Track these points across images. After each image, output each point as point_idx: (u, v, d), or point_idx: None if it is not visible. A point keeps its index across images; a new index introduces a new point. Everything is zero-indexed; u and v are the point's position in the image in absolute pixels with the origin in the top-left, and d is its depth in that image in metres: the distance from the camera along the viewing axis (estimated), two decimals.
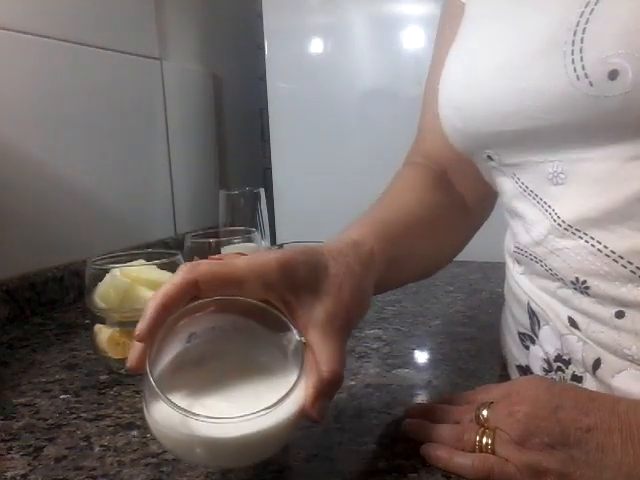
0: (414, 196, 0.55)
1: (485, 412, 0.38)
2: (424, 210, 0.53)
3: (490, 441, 0.37)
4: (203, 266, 0.36)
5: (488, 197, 0.57)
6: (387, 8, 1.06)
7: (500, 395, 0.40)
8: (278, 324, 0.37)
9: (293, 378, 0.34)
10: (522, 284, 0.48)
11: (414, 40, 1.05)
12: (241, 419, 0.31)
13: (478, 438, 0.38)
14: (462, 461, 0.37)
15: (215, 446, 0.33)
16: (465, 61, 0.47)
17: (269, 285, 0.36)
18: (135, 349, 0.34)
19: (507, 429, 0.36)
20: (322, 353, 0.36)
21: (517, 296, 0.50)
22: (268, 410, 0.32)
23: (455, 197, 0.58)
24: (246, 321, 0.38)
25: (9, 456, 0.43)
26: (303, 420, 0.35)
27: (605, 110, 0.36)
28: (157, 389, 0.32)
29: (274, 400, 0.32)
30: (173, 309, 0.36)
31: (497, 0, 0.46)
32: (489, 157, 0.47)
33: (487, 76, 0.43)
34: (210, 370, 0.36)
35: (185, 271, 0.36)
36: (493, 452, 0.37)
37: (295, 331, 0.37)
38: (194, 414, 0.31)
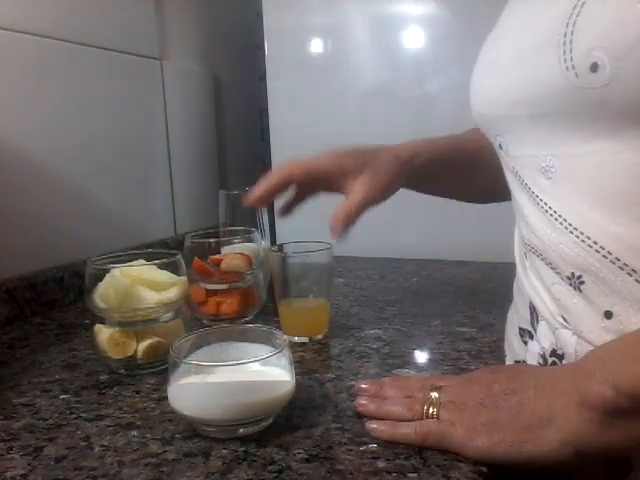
0: (477, 139, 0.65)
1: (436, 394, 0.43)
2: (486, 146, 0.62)
3: (436, 410, 0.42)
4: (292, 161, 0.62)
5: None
6: (387, 8, 1.05)
7: (455, 381, 0.44)
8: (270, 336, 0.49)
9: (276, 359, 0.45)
10: (527, 279, 0.49)
11: (414, 40, 1.04)
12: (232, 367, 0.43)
13: (425, 407, 0.42)
14: (405, 430, 0.42)
15: (216, 389, 0.43)
16: (488, 52, 0.50)
17: (330, 168, 0.61)
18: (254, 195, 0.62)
19: (451, 398, 0.42)
20: (352, 191, 0.59)
21: (522, 291, 0.50)
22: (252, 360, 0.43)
23: None
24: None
25: (9, 456, 0.43)
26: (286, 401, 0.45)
27: (588, 101, 0.37)
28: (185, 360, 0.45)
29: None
30: (278, 187, 0.62)
31: None
32: (500, 146, 0.49)
33: (500, 65, 0.46)
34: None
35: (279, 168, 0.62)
36: (438, 418, 0.42)
37: (280, 333, 0.49)
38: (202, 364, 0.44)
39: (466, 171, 0.68)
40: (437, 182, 0.69)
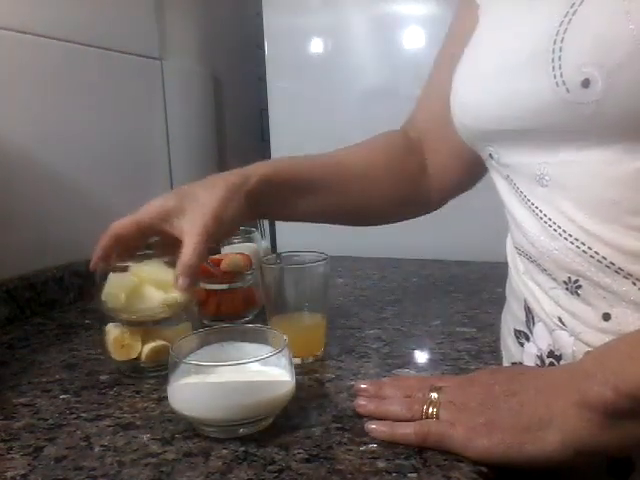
0: (359, 152, 0.66)
1: (435, 394, 0.42)
2: (359, 165, 0.64)
3: (435, 410, 0.42)
4: (116, 221, 0.58)
5: (453, 189, 0.67)
6: (387, 8, 1.05)
7: (455, 382, 0.44)
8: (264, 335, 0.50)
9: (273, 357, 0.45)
10: (521, 282, 0.49)
11: (414, 40, 1.05)
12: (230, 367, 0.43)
13: (425, 407, 0.42)
14: (404, 431, 0.41)
15: (216, 388, 0.43)
16: (471, 64, 0.50)
17: (152, 217, 0.56)
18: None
19: (451, 399, 0.42)
20: (182, 233, 0.53)
21: (516, 293, 0.50)
22: (250, 360, 0.43)
23: (412, 169, 0.66)
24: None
25: (9, 456, 0.43)
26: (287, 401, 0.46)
27: (580, 115, 0.37)
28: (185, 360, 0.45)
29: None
30: (110, 248, 0.57)
31: (502, 7, 0.48)
32: (490, 155, 0.48)
33: (487, 79, 0.46)
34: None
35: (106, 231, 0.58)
36: (437, 418, 0.41)
37: (280, 332, 0.48)
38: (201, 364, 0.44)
39: (326, 191, 0.62)
40: (291, 206, 0.62)
